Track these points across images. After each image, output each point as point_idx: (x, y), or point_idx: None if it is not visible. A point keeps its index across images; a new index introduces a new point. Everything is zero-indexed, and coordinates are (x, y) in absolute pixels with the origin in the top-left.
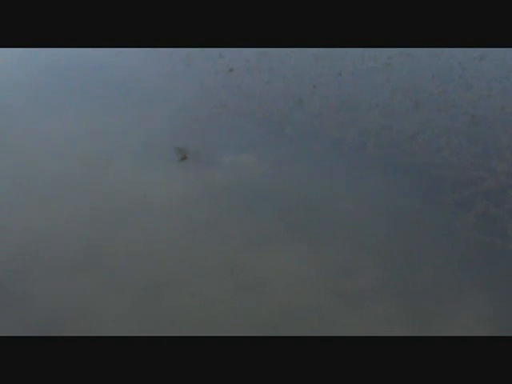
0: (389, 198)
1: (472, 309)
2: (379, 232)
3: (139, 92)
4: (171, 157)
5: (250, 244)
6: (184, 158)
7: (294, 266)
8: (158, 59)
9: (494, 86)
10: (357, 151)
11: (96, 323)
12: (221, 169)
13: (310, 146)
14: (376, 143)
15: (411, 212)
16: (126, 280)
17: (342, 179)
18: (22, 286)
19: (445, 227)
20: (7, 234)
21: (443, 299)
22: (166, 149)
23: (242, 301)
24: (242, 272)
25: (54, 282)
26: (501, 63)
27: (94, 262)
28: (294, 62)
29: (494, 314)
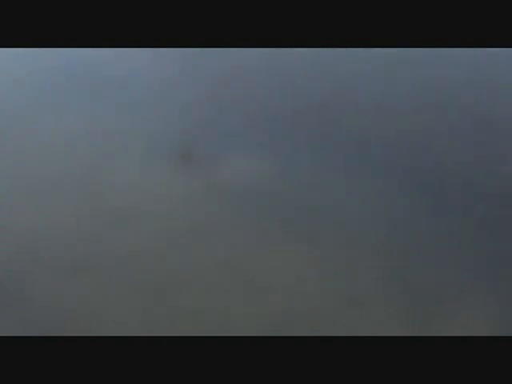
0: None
1: (472, 309)
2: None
3: (139, 92)
4: (171, 157)
5: (250, 244)
6: (186, 158)
7: (294, 266)
8: (158, 59)
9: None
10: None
11: (96, 323)
12: (221, 169)
13: (311, 146)
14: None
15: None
16: (126, 280)
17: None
18: (22, 286)
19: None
20: (7, 234)
21: (443, 299)
22: (167, 149)
23: (242, 301)
24: (242, 272)
25: (54, 282)
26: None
27: (94, 262)
28: (294, 61)
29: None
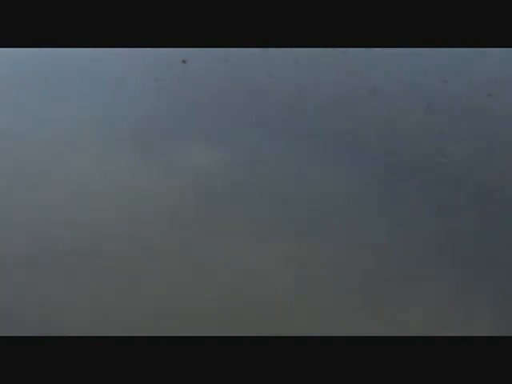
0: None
1: (473, 309)
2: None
3: (139, 92)
4: (172, 158)
5: (249, 243)
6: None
7: (293, 266)
8: (157, 59)
9: None
10: None
11: (96, 323)
12: (219, 166)
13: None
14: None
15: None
16: (126, 280)
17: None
18: (22, 285)
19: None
20: (6, 234)
21: (443, 299)
22: (168, 149)
23: (241, 301)
24: (241, 271)
25: (54, 282)
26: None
27: (94, 261)
28: (294, 61)
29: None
